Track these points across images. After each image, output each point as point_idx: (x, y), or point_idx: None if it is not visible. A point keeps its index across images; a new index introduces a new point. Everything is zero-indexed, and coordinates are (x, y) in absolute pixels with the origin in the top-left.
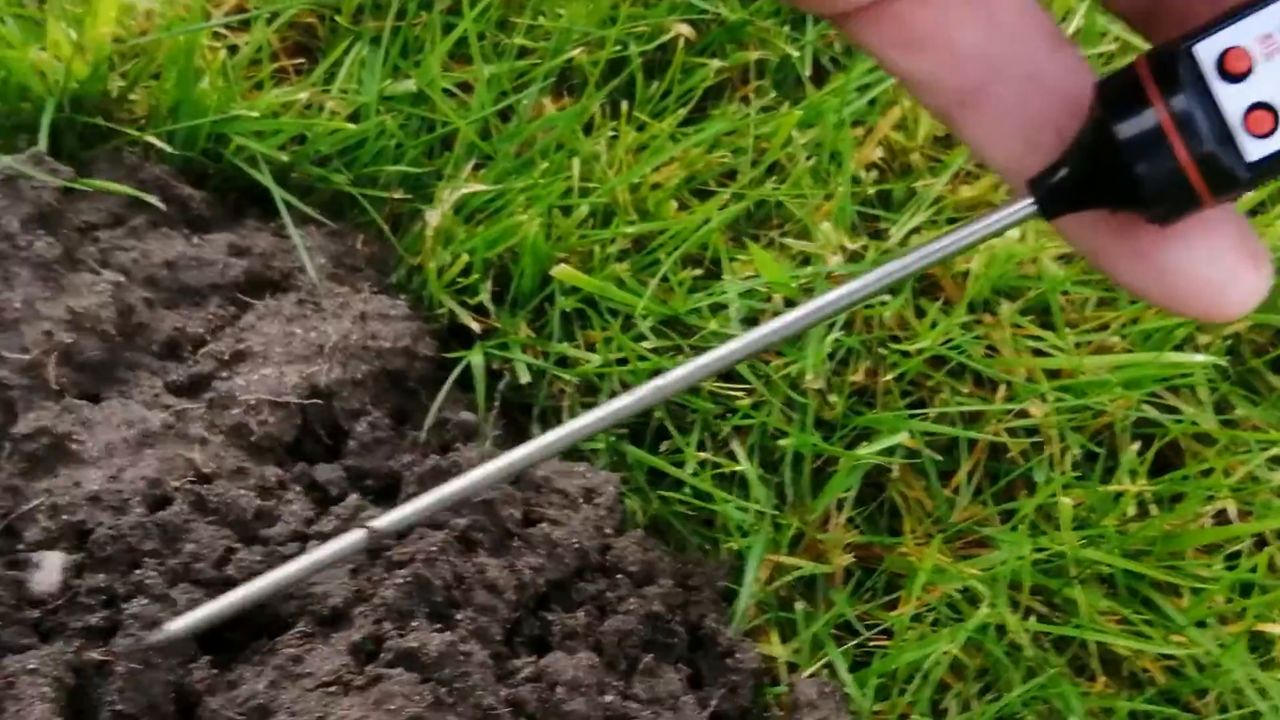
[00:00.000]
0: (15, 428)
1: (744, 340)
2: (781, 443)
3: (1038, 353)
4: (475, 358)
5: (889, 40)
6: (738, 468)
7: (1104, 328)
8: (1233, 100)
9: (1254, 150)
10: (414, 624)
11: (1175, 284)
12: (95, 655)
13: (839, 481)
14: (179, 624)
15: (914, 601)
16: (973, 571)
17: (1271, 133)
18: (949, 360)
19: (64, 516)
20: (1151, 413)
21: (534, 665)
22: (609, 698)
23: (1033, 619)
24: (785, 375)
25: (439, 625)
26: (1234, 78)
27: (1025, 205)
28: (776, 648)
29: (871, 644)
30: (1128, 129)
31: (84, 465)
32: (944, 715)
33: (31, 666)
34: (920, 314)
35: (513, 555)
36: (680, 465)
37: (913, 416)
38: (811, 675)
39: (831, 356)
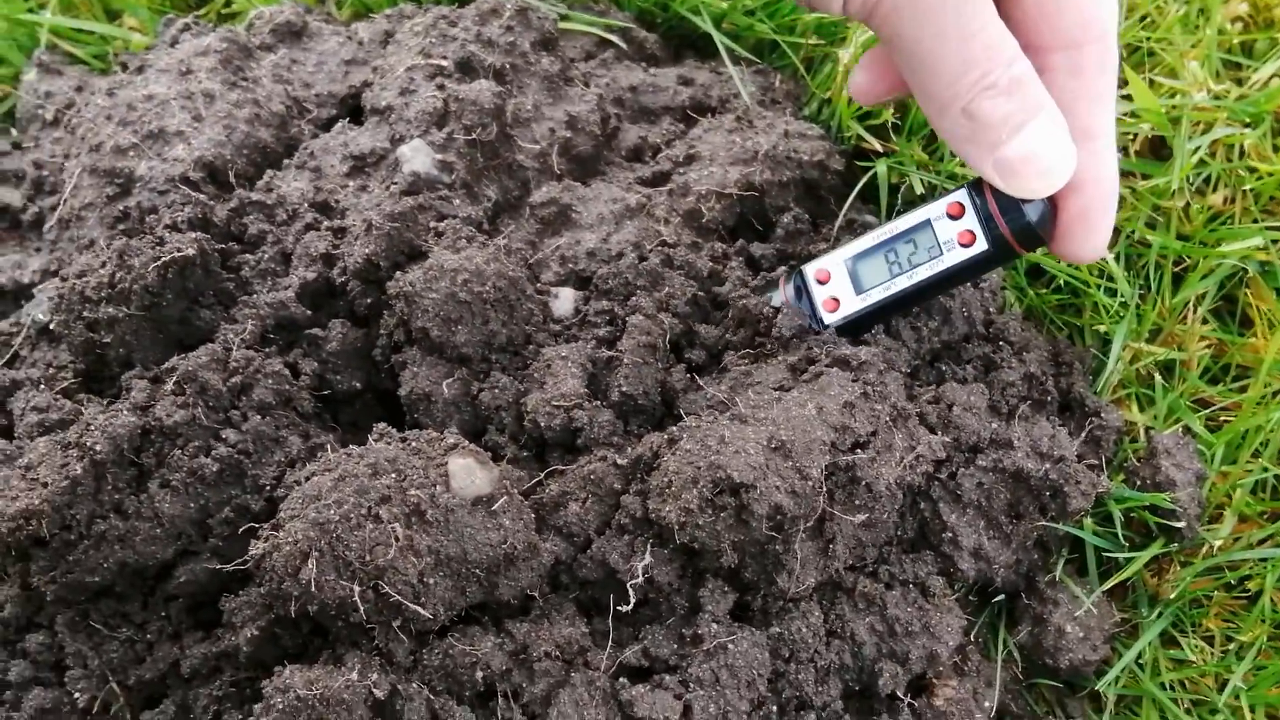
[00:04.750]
0: (531, 198)
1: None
2: (1149, 237)
3: None
4: (880, 168)
5: None
6: (1105, 265)
7: None
8: (819, 294)
9: (828, 319)
10: (839, 349)
11: None
12: (607, 352)
13: (1196, 278)
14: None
15: (1261, 385)
16: None
17: (835, 311)
18: None
19: (570, 266)
20: None
21: (934, 391)
22: (995, 424)
23: None
24: (1151, 188)
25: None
26: (821, 283)
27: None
28: (1136, 415)
29: (1221, 418)
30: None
31: (582, 229)
32: None
33: (564, 354)
34: (1276, 150)
35: (913, 318)
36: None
37: (1268, 228)
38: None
39: (1190, 180)
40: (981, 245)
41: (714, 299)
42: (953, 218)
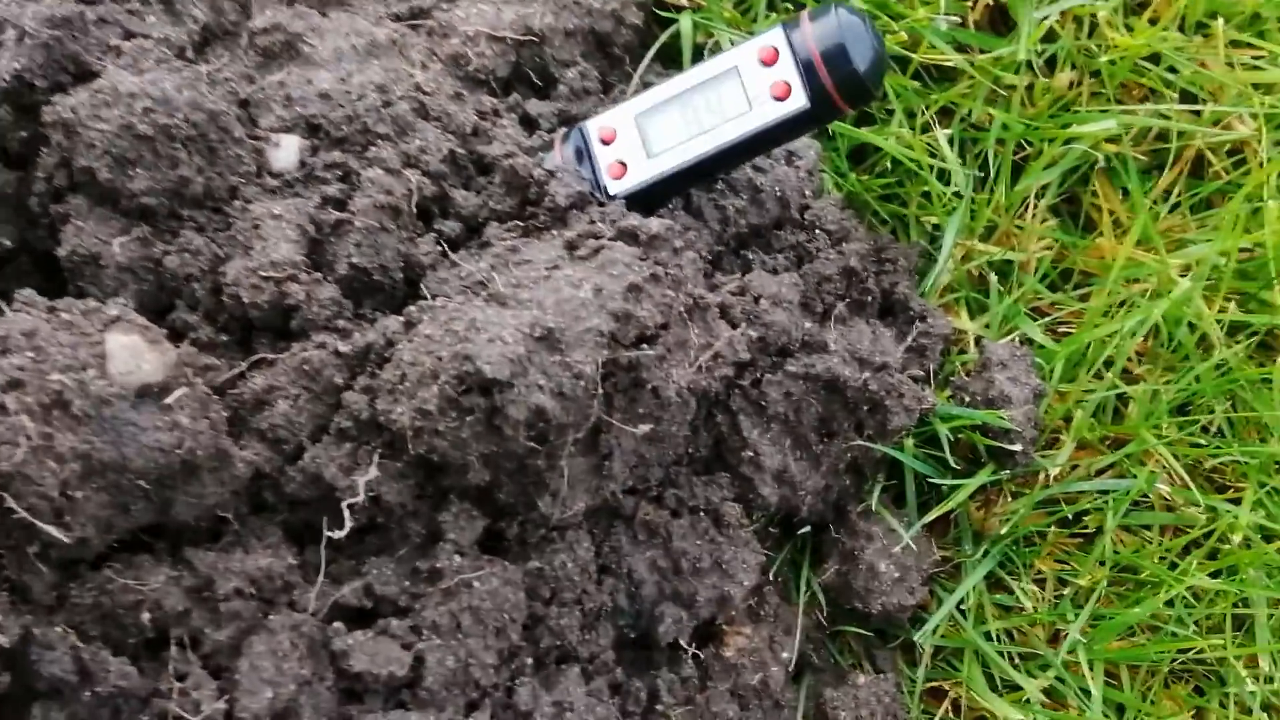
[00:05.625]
0: (252, 22)
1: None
2: (990, 112)
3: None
4: (684, 23)
5: None
6: (935, 145)
7: None
8: (604, 156)
9: (614, 188)
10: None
11: None
12: (334, 214)
13: (1039, 167)
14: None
15: (1106, 294)
16: (1172, 261)
17: (623, 177)
18: (1156, 66)
19: (298, 109)
20: None
21: (739, 281)
22: (808, 324)
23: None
24: (995, 59)
25: None
26: (606, 143)
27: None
28: (966, 322)
29: (1061, 329)
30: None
31: (315, 66)
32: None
33: (277, 212)
34: (1129, 30)
35: (717, 195)
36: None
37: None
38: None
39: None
40: (799, 100)
41: (478, 161)
42: (765, 65)
